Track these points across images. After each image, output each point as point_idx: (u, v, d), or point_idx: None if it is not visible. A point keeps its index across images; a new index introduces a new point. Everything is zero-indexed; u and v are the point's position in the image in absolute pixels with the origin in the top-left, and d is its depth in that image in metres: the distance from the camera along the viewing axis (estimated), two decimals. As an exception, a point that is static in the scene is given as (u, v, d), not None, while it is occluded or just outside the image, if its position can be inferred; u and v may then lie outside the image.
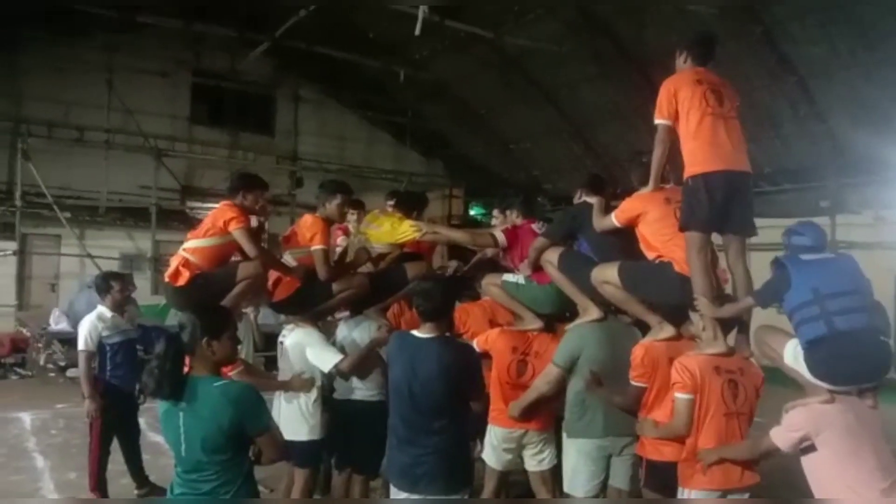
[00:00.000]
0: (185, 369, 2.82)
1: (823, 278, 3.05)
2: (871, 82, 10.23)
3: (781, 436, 3.07)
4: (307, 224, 4.49)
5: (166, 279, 4.30)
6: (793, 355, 3.08)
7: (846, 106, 10.38)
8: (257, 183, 4.50)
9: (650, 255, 3.83)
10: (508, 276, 4.43)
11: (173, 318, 7.77)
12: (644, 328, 3.98)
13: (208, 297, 3.98)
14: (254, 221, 4.44)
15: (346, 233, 5.71)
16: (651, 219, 3.81)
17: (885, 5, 9.29)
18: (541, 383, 4.06)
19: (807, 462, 3.06)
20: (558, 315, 4.35)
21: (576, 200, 4.47)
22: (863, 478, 2.91)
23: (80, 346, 5.31)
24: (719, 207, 3.53)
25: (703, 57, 3.82)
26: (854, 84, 10.27)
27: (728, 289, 3.76)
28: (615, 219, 3.93)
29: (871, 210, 12.22)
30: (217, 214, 4.33)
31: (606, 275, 3.83)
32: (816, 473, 3.02)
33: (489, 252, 5.05)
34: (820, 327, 2.95)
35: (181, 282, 4.19)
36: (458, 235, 5.05)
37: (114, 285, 5.51)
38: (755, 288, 3.64)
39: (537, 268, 4.26)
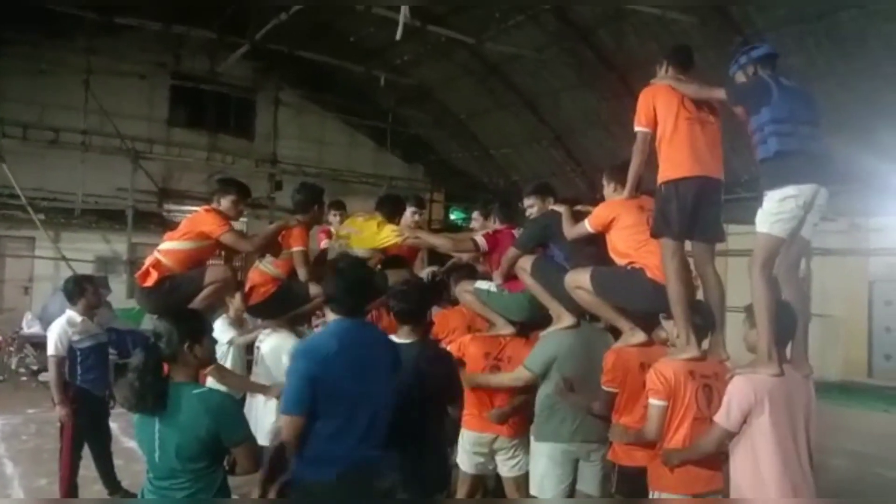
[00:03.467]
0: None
1: (799, 104, 3.38)
2: (847, 92, 10.37)
3: (724, 415, 3.10)
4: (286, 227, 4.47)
5: (136, 279, 4.31)
6: (765, 208, 3.29)
7: (822, 115, 10.49)
8: (238, 188, 4.51)
9: (620, 262, 3.85)
10: (480, 284, 4.45)
11: (149, 322, 7.69)
12: (618, 334, 3.99)
13: (175, 301, 3.97)
14: (237, 226, 4.44)
15: (330, 235, 5.68)
16: (623, 225, 3.84)
17: (861, 17, 9.45)
18: (507, 380, 4.09)
19: (741, 441, 3.09)
20: (530, 322, 4.35)
21: (528, 210, 4.49)
22: (792, 456, 3.03)
23: (50, 351, 5.24)
24: (689, 214, 3.56)
25: (683, 65, 3.87)
26: (830, 93, 10.39)
27: (699, 294, 3.79)
28: (589, 225, 3.95)
29: (846, 217, 12.39)
30: (196, 219, 4.33)
31: (579, 280, 3.86)
32: (751, 449, 3.06)
33: (464, 257, 5.04)
34: (793, 143, 3.28)
35: (149, 282, 4.20)
36: (440, 241, 5.04)
37: (87, 289, 5.44)
38: (725, 293, 3.70)
39: (509, 277, 4.27)
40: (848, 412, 9.89)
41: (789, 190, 3.25)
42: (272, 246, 4.43)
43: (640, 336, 3.79)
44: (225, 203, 4.40)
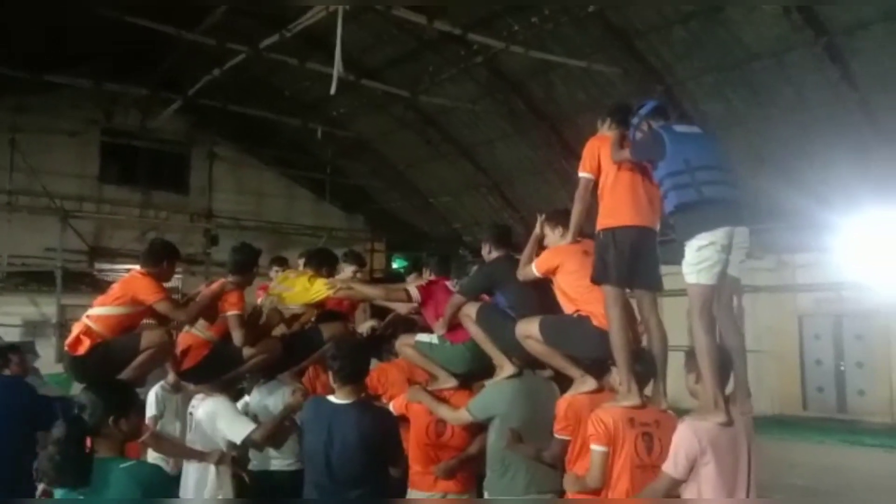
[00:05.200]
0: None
1: (694, 151, 3.47)
2: (765, 136, 10.92)
3: (672, 464, 3.13)
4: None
5: (66, 347, 4.12)
6: (687, 259, 3.38)
7: (743, 158, 10.97)
8: (178, 253, 4.49)
9: (569, 309, 3.89)
10: (422, 337, 4.42)
11: (79, 388, 7.37)
12: (564, 383, 4.02)
13: (109, 369, 3.82)
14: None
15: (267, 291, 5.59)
16: (568, 270, 3.89)
17: (773, 67, 10.02)
18: (446, 413, 4.07)
19: (689, 487, 3.13)
20: (472, 373, 4.35)
21: (484, 254, 4.53)
22: (737, 496, 3.07)
23: (-28, 424, 4.95)
24: (628, 263, 3.64)
25: (623, 122, 3.99)
26: (749, 138, 10.94)
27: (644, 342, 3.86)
28: (535, 269, 4.01)
29: (773, 255, 12.88)
30: (130, 284, 4.20)
31: (528, 329, 3.87)
32: (697, 493, 3.09)
33: (402, 309, 5.02)
34: (691, 194, 3.37)
35: (81, 351, 4.01)
36: (372, 291, 5.00)
37: (11, 358, 5.19)
38: (667, 341, 3.77)
39: (452, 326, 4.27)
40: (785, 445, 10.12)
41: (703, 238, 3.34)
42: (207, 313, 4.34)
43: (590, 383, 3.79)
44: (170, 268, 4.34)
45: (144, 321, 4.28)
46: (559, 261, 3.94)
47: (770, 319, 13.54)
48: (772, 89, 10.36)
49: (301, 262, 5.57)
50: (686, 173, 3.42)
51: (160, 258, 4.31)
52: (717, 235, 3.34)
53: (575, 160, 4.11)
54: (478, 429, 4.12)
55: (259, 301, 5.34)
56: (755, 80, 10.37)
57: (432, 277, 4.65)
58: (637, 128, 3.76)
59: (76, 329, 4.11)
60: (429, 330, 4.52)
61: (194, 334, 4.40)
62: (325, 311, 4.95)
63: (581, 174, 3.89)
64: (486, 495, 4.02)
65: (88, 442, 2.63)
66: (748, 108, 10.84)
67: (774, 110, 10.63)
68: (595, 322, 3.73)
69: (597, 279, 3.71)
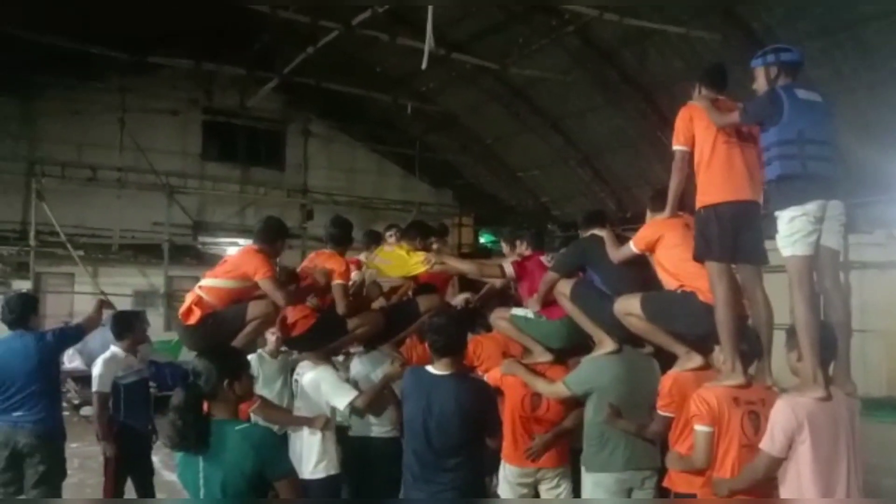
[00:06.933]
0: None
1: (810, 121, 3.34)
2: (874, 102, 10.25)
3: (769, 441, 3.05)
4: (325, 261, 4.53)
5: (179, 316, 4.34)
6: (781, 232, 3.31)
7: (851, 126, 10.34)
8: (288, 232, 4.65)
9: (670, 285, 3.78)
10: (517, 311, 4.41)
11: (186, 355, 7.80)
12: (664, 359, 3.94)
13: (219, 338, 4.01)
14: (355, 275, 4.67)
15: (359, 266, 5.73)
16: (669, 244, 3.79)
17: (886, 28, 9.36)
18: (542, 387, 4.07)
19: (789, 467, 3.05)
20: (568, 349, 4.32)
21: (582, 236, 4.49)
22: (839, 480, 2.99)
23: (95, 387, 5.31)
24: (730, 238, 3.53)
25: (718, 85, 3.85)
26: (858, 105, 10.29)
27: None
28: (634, 246, 3.91)
29: (882, 229, 12.17)
30: (242, 259, 4.37)
31: (629, 306, 3.79)
32: (796, 475, 3.02)
33: (497, 283, 5.04)
34: (795, 166, 3.29)
35: (192, 321, 4.21)
36: (467, 267, 5.04)
37: (135, 325, 5.53)
38: (773, 316, 3.64)
39: (547, 302, 4.25)
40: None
41: (795, 210, 3.26)
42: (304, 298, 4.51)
43: (696, 360, 3.70)
44: (280, 246, 4.50)
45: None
46: (660, 234, 3.83)
47: (879, 297, 12.77)
48: (884, 53, 9.70)
49: (388, 234, 5.69)
50: (796, 144, 3.30)
51: (275, 237, 4.46)
52: (809, 208, 3.25)
53: (671, 131, 3.96)
54: (574, 403, 4.10)
55: (354, 274, 5.49)
56: (866, 44, 9.74)
57: (527, 252, 4.64)
58: (766, 65, 3.54)
59: (189, 299, 4.31)
60: (522, 304, 4.53)
61: (304, 304, 4.57)
62: (421, 284, 5.04)
63: (676, 147, 3.77)
64: (583, 470, 4.01)
65: (205, 406, 2.80)
66: (857, 74, 10.19)
67: (886, 76, 9.96)
68: (701, 297, 3.64)
69: (699, 256, 3.61)
